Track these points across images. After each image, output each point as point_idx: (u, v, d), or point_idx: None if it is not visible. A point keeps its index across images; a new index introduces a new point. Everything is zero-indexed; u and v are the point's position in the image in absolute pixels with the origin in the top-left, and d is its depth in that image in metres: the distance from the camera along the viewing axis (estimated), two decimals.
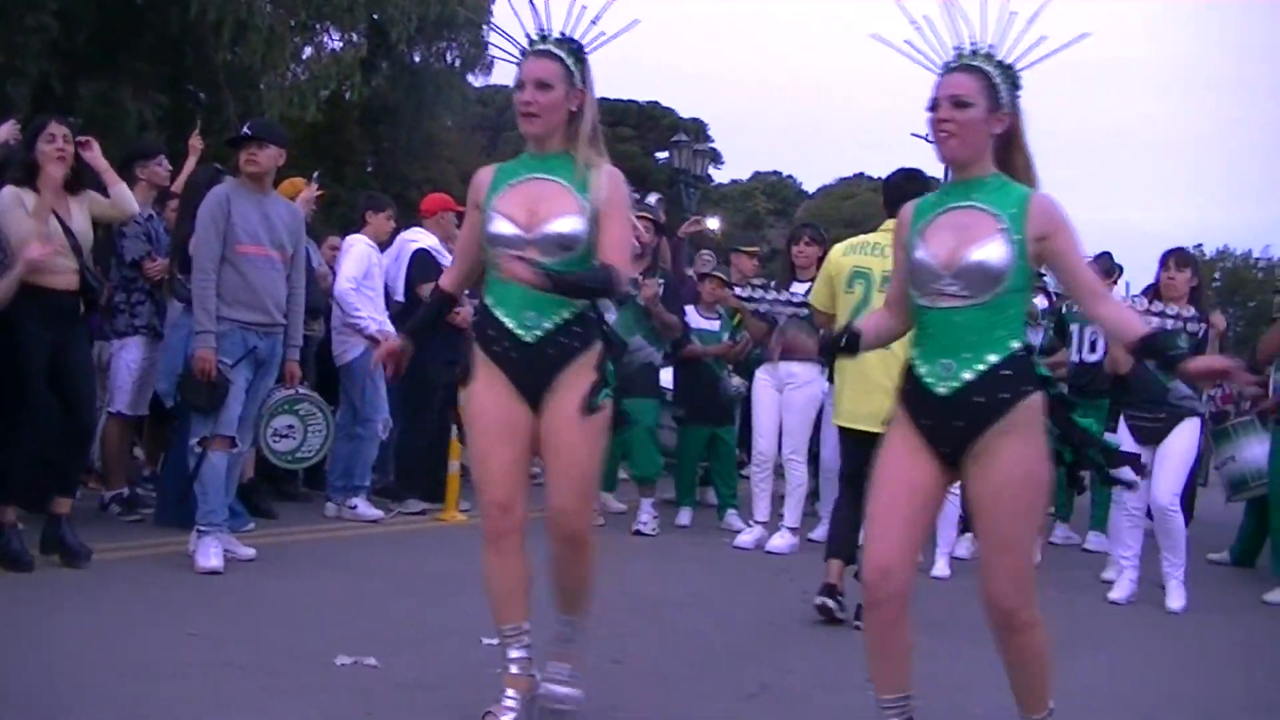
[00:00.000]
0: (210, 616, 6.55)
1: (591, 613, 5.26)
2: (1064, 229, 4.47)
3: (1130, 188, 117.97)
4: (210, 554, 7.61)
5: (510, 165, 5.12)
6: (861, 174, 69.29)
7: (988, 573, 4.45)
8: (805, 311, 8.79)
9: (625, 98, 56.81)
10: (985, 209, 4.47)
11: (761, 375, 10.53)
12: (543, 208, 4.83)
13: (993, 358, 4.38)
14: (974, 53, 4.58)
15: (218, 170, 9.33)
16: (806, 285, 9.69)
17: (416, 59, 26.13)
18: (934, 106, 4.53)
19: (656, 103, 57.06)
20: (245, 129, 8.11)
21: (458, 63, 26.36)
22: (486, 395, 5.01)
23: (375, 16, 21.22)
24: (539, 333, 4.83)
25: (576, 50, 4.94)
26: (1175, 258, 9.07)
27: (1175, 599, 8.88)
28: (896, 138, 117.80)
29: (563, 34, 4.93)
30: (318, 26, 22.12)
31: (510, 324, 4.88)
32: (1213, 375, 4.53)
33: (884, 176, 8.18)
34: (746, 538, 10.29)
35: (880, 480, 4.57)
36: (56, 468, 7.58)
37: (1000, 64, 4.57)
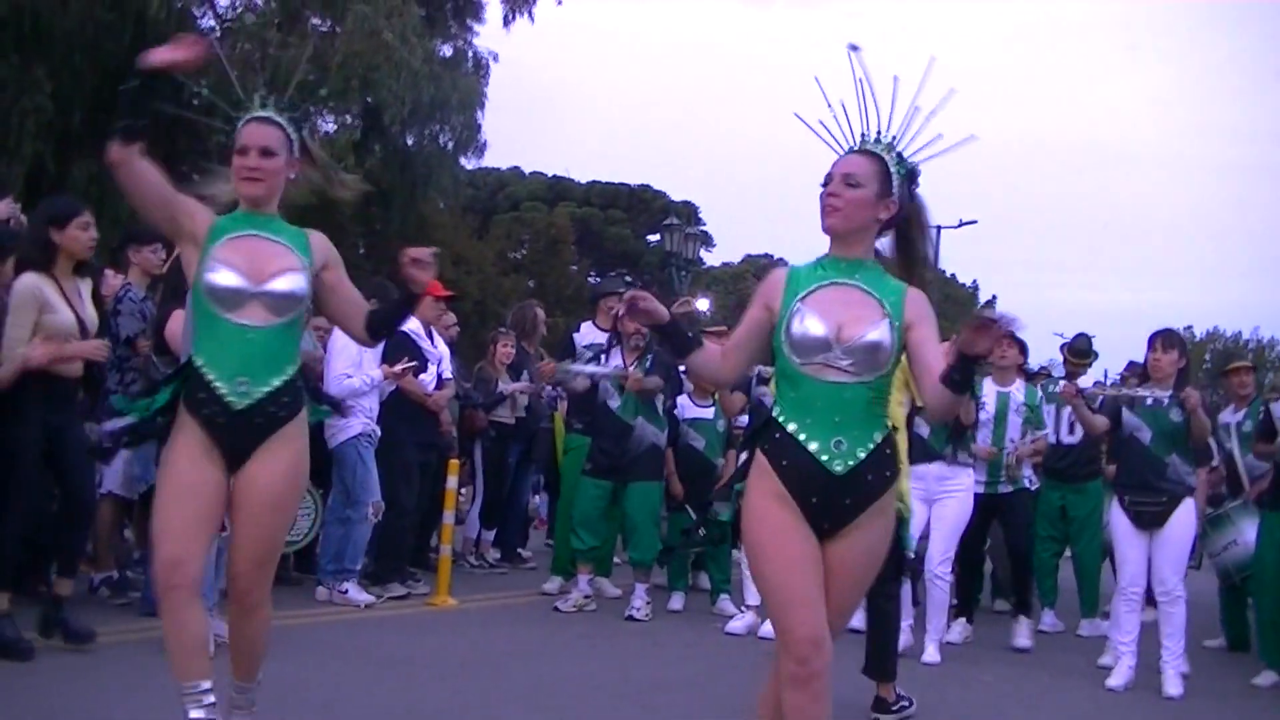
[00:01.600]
0: None
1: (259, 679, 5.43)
2: (929, 319, 4.65)
3: (1121, 269, 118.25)
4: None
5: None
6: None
7: (812, 626, 4.42)
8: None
9: (617, 181, 57.15)
10: (869, 292, 4.62)
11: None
12: None
13: (878, 436, 4.51)
14: (876, 140, 4.77)
15: None
16: None
17: (409, 141, 26.23)
18: (826, 181, 4.69)
19: (648, 186, 57.34)
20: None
21: (450, 145, 26.45)
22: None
23: (369, 100, 21.33)
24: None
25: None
26: (1162, 339, 9.13)
27: (1173, 685, 8.83)
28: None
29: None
30: (311, 110, 22.24)
31: (223, 389, 4.86)
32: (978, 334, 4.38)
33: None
34: (738, 624, 10.22)
35: (779, 550, 4.49)
36: (58, 550, 7.56)
37: (899, 155, 4.76)
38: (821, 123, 4.81)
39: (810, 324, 4.53)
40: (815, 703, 4.39)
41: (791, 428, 4.52)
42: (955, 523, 9.78)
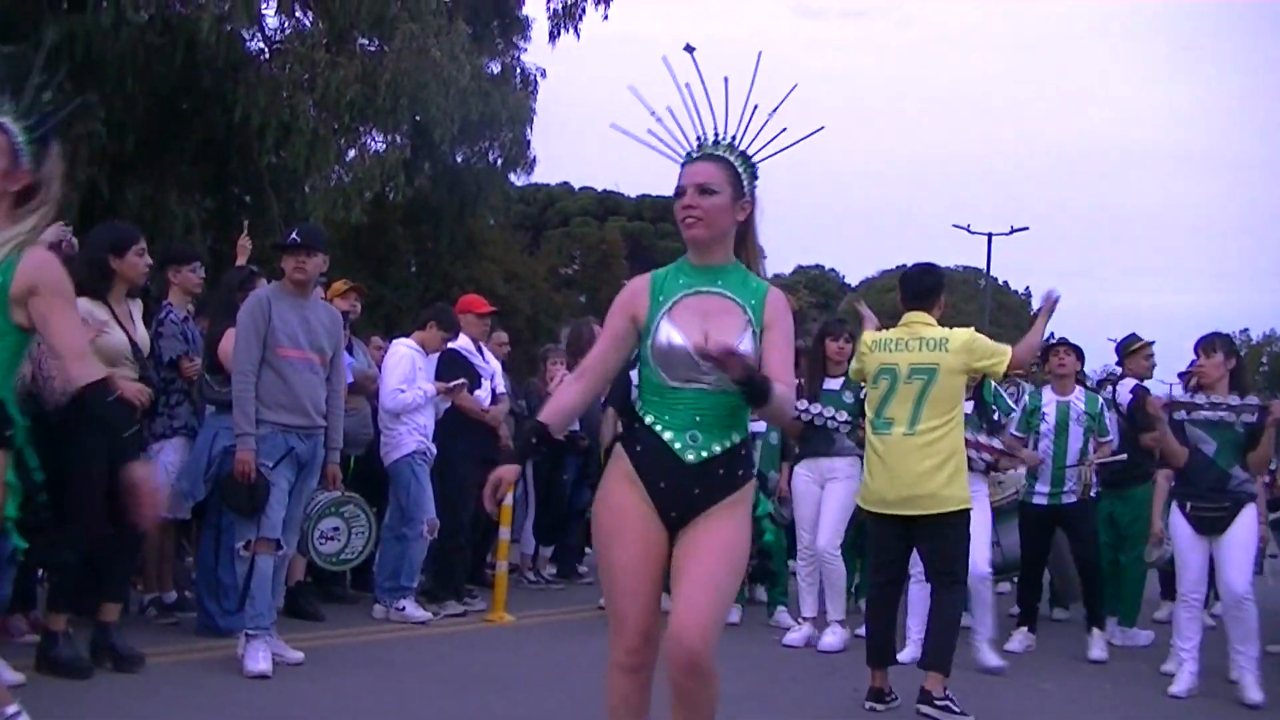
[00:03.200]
0: None
1: None
2: (782, 326, 4.70)
3: (1177, 272, 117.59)
4: (259, 658, 7.59)
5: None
6: (903, 266, 69.25)
7: (679, 609, 4.46)
8: (843, 418, 9.83)
9: (667, 194, 57.00)
10: (731, 298, 4.69)
11: (802, 470, 10.32)
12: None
13: (736, 437, 4.63)
14: (716, 143, 4.80)
15: (252, 272, 9.38)
16: (840, 380, 10.01)
17: (459, 159, 26.27)
18: (680, 193, 4.73)
19: None
20: (294, 236, 8.12)
21: (499, 162, 26.47)
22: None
23: (418, 118, 21.33)
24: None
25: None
26: (1203, 345, 9.03)
27: (1254, 691, 8.69)
28: (939, 229, 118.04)
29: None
30: (361, 129, 22.26)
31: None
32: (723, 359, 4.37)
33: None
34: (795, 635, 10.12)
35: (621, 539, 4.63)
36: (106, 575, 7.57)
37: (742, 154, 4.80)
38: (651, 131, 4.84)
39: (674, 340, 4.60)
40: (640, 690, 4.61)
41: (649, 419, 4.65)
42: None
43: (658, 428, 4.61)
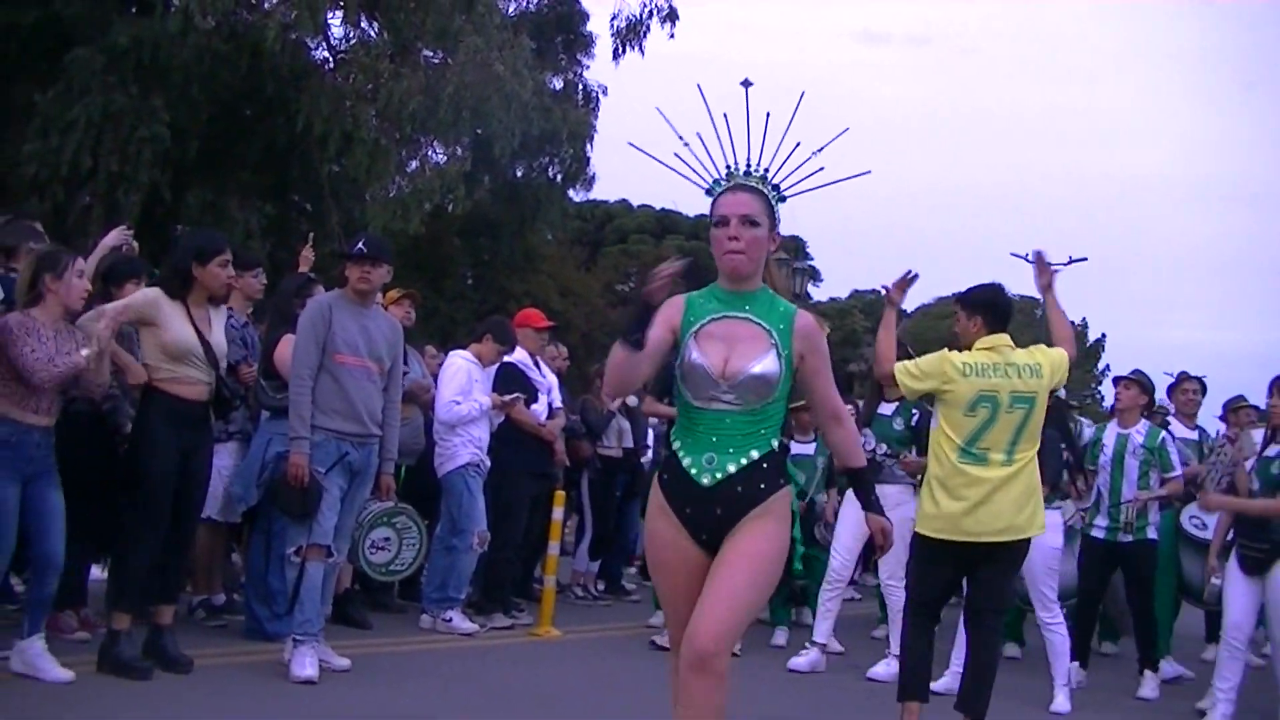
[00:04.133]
0: None
1: None
2: (819, 351, 4.87)
3: (1241, 308, 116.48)
4: (306, 664, 7.60)
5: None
6: (959, 294, 68.90)
7: (700, 617, 4.52)
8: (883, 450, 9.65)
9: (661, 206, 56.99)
10: (758, 322, 4.78)
11: (852, 496, 10.03)
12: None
13: (755, 453, 4.70)
14: (748, 173, 4.90)
15: (308, 279, 9.41)
16: (894, 404, 9.90)
17: (518, 173, 26.36)
18: (724, 222, 4.79)
19: None
20: (360, 246, 8.14)
21: (559, 177, 26.54)
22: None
23: (479, 131, 21.41)
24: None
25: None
26: (1277, 384, 8.87)
27: None
28: (996, 258, 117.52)
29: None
30: (422, 140, 22.38)
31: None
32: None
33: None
34: (801, 660, 9.89)
35: (666, 568, 4.83)
36: (160, 576, 7.61)
37: (775, 187, 4.92)
38: (677, 154, 4.93)
39: (698, 361, 4.73)
40: (713, 691, 4.52)
41: (675, 445, 4.83)
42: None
43: (680, 454, 4.77)
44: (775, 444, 4.80)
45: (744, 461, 4.68)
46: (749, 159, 4.89)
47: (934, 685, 9.62)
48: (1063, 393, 9.52)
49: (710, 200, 4.90)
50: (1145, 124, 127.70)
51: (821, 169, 4.89)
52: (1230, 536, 9.07)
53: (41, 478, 6.96)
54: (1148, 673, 10.05)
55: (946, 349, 7.57)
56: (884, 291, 8.13)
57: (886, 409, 10.00)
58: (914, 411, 9.85)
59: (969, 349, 7.56)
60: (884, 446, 9.75)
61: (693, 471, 4.69)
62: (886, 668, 9.59)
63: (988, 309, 7.68)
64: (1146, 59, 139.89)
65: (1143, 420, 10.38)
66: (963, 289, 7.97)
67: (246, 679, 7.61)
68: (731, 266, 4.78)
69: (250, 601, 9.02)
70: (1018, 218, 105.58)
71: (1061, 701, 9.03)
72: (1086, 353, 64.70)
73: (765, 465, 4.72)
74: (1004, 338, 7.57)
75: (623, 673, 8.98)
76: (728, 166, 4.91)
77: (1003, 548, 7.27)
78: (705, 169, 4.93)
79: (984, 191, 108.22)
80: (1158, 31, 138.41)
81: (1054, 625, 9.21)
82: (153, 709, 6.73)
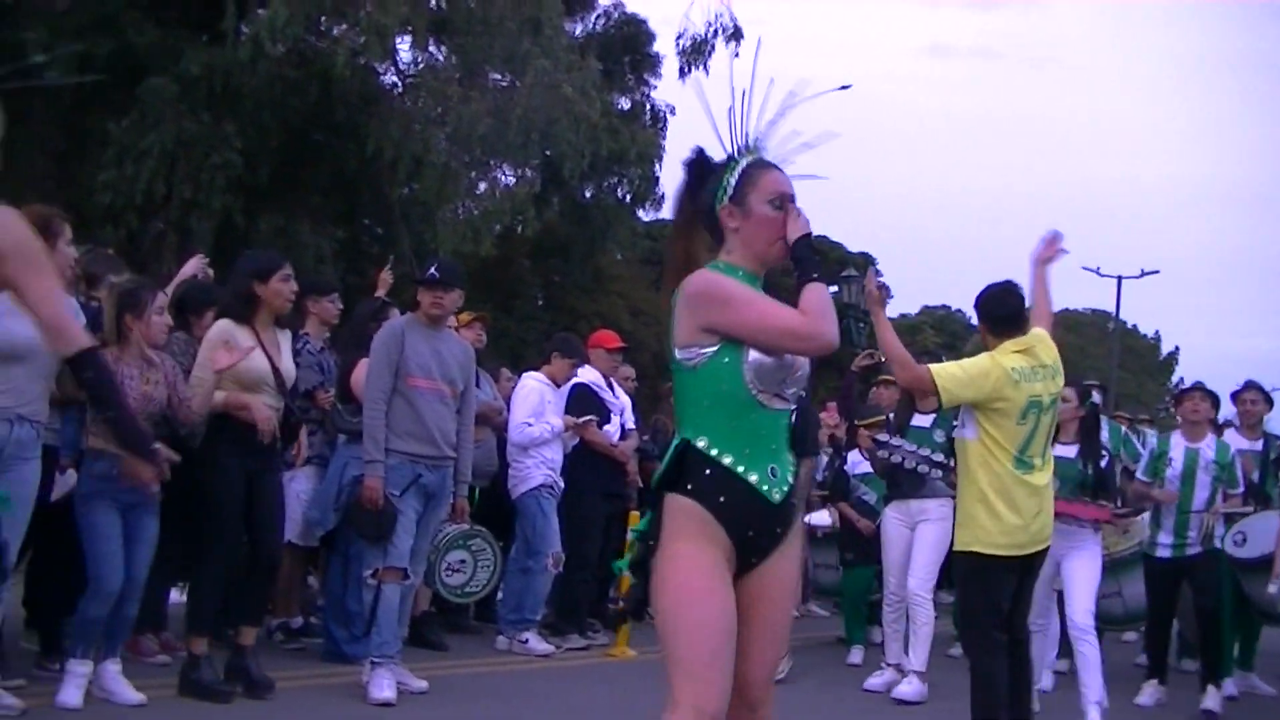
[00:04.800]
0: None
1: None
2: None
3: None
4: (384, 685, 7.63)
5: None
6: (1029, 307, 68.44)
7: (752, 660, 4.09)
8: (939, 459, 8.96)
9: None
10: None
11: (892, 512, 9.89)
12: None
13: (791, 459, 4.20)
14: (757, 145, 4.36)
15: (384, 303, 9.47)
16: (930, 416, 9.46)
17: (588, 194, 26.44)
18: (784, 203, 4.26)
19: (825, 236, 56.81)
20: (433, 271, 8.18)
21: (628, 198, 26.61)
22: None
23: (548, 153, 21.51)
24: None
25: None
26: None
27: None
28: (1068, 271, 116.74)
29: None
30: (492, 163, 22.47)
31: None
32: None
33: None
34: (876, 680, 9.74)
35: (707, 611, 3.97)
36: (242, 598, 7.67)
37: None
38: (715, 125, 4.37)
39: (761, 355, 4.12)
40: None
41: (728, 461, 4.05)
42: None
43: (740, 469, 4.05)
44: None
45: (792, 468, 4.18)
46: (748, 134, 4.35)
47: (872, 683, 9.74)
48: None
49: (746, 166, 4.29)
50: (1214, 134, 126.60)
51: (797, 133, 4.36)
52: None
53: (141, 505, 7.06)
54: (1210, 688, 9.59)
55: (991, 353, 7.08)
56: (872, 289, 7.69)
57: (923, 420, 9.60)
58: (954, 422, 8.82)
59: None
60: (939, 455, 9.09)
61: (762, 488, 4.03)
62: (910, 686, 9.32)
63: (989, 318, 7.30)
64: (1217, 67, 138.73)
65: (1210, 434, 10.01)
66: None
67: (325, 701, 7.65)
68: (780, 253, 4.26)
69: (329, 624, 9.08)
70: (1089, 230, 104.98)
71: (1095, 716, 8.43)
72: (1160, 366, 64.29)
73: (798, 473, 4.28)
74: (1030, 339, 7.18)
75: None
76: (744, 143, 4.35)
77: (1040, 556, 7.14)
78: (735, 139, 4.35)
79: (1054, 204, 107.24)
80: (1227, 41, 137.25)
81: (1084, 638, 8.64)
82: None
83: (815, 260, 4.24)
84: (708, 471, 4.02)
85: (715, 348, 4.03)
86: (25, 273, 4.22)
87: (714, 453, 4.04)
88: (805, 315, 4.04)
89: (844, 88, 4.62)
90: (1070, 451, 8.66)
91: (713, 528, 3.99)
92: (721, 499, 4.00)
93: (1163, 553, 9.72)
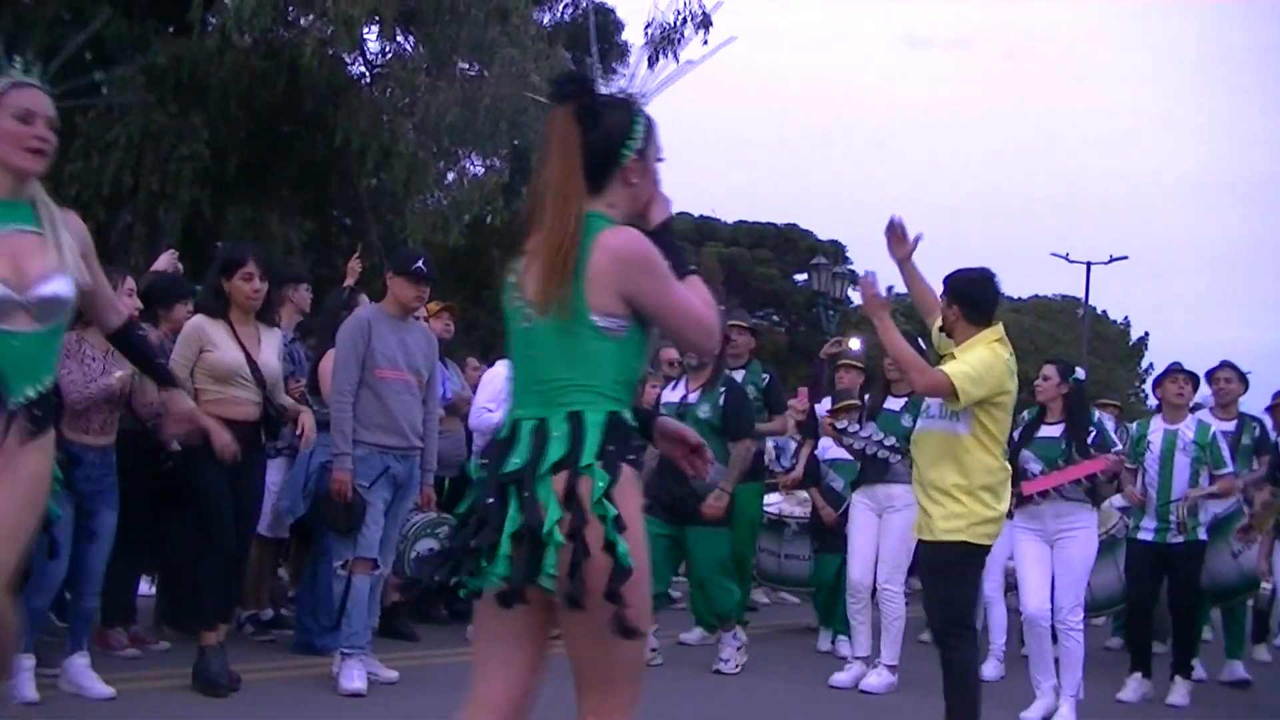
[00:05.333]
0: None
1: None
2: None
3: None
4: (354, 676, 7.66)
5: None
6: (1008, 298, 68.63)
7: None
8: (896, 446, 8.87)
9: (764, 220, 57.01)
10: None
11: (860, 498, 9.70)
12: None
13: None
14: (573, 79, 4.14)
15: (353, 292, 9.48)
16: (902, 400, 9.30)
17: None
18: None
19: (795, 225, 57.08)
20: (419, 265, 8.15)
21: None
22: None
23: (516, 142, 21.48)
24: None
25: None
26: None
27: None
28: (1037, 258, 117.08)
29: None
30: (460, 153, 22.43)
31: None
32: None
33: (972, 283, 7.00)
34: (843, 676, 9.48)
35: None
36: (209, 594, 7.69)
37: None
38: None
39: None
40: None
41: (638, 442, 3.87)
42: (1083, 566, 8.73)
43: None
44: None
45: None
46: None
47: (839, 680, 9.49)
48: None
49: (645, 114, 4.11)
50: (1186, 123, 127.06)
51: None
52: None
53: (98, 497, 7.09)
54: (1179, 679, 9.59)
55: (987, 346, 6.86)
56: (871, 294, 7.18)
57: (894, 404, 9.46)
58: (924, 407, 8.49)
59: (950, 335, 7.05)
60: (892, 439, 8.99)
61: None
62: (879, 678, 9.28)
63: (969, 303, 7.00)
64: (1185, 59, 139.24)
65: (1191, 415, 9.89)
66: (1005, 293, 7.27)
67: (295, 693, 7.67)
68: (645, 219, 4.02)
69: (301, 615, 9.10)
70: (1058, 218, 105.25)
71: (1066, 713, 8.42)
72: (1129, 351, 64.42)
73: None
74: (999, 329, 7.00)
75: (671, 683, 8.95)
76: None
77: None
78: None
79: (1023, 193, 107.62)
80: (1196, 33, 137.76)
81: (1072, 631, 8.60)
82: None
83: (681, 248, 4.05)
84: (634, 444, 3.78)
85: (627, 321, 3.75)
86: (93, 263, 4.87)
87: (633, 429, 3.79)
88: (711, 311, 3.90)
89: (730, 40, 4.34)
90: (1055, 430, 8.59)
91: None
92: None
93: (1145, 536, 9.59)
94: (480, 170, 23.01)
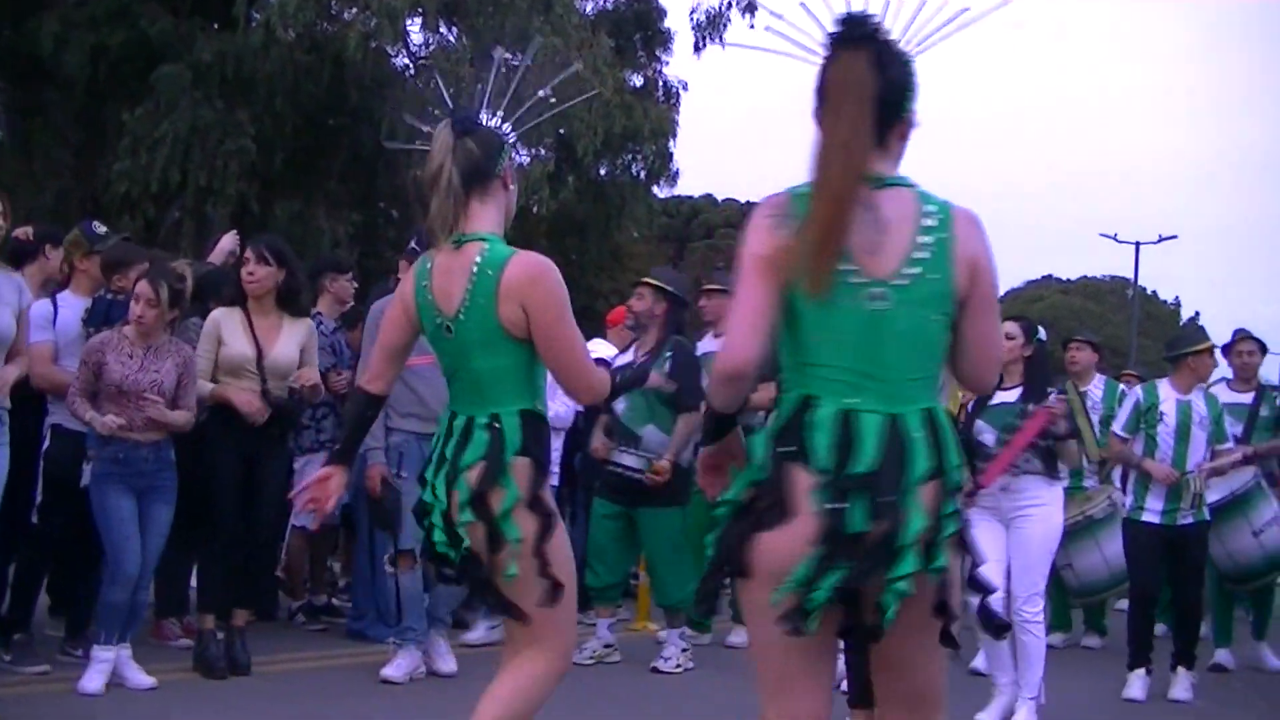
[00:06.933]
0: None
1: None
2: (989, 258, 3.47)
3: None
4: (399, 666, 7.65)
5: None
6: (1049, 276, 68.34)
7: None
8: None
9: (746, 200, 56.84)
10: None
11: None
12: None
13: None
14: (862, 21, 3.43)
15: (399, 283, 9.47)
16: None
17: (602, 172, 26.41)
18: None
19: None
20: (413, 245, 8.09)
21: (643, 175, 26.55)
22: None
23: (561, 132, 21.48)
24: None
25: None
26: None
27: None
28: (1086, 238, 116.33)
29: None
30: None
31: None
32: None
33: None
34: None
35: None
36: (234, 581, 7.74)
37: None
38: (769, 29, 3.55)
39: None
40: None
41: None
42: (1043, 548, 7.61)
43: None
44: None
45: None
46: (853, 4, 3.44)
47: None
48: None
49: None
50: (1234, 100, 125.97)
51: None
52: None
53: (153, 492, 7.15)
54: (1181, 670, 8.78)
55: None
56: None
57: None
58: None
59: None
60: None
61: None
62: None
63: None
64: (1237, 34, 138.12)
65: (1197, 389, 9.02)
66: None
67: (345, 681, 7.70)
68: None
69: (357, 601, 9.16)
70: (1107, 198, 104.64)
71: (1025, 717, 7.47)
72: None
73: None
74: None
75: (718, 663, 8.88)
76: (839, 18, 3.43)
77: None
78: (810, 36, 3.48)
79: (1073, 172, 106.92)
80: (1253, 4, 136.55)
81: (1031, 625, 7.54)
82: (243, 710, 6.85)
83: None
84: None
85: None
86: None
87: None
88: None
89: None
90: (1012, 396, 7.51)
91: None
92: None
93: (1151, 518, 8.72)
94: (525, 160, 23.04)
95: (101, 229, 8.29)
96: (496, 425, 4.18)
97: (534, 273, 4.25)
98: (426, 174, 4.44)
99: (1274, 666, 10.11)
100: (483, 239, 4.31)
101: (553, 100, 4.71)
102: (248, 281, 7.66)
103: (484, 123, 4.61)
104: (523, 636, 4.23)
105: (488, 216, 4.42)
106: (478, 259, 4.26)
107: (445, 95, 4.69)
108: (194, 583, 8.57)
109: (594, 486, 9.39)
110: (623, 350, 9.53)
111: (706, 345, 9.71)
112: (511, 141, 4.60)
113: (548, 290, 4.24)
